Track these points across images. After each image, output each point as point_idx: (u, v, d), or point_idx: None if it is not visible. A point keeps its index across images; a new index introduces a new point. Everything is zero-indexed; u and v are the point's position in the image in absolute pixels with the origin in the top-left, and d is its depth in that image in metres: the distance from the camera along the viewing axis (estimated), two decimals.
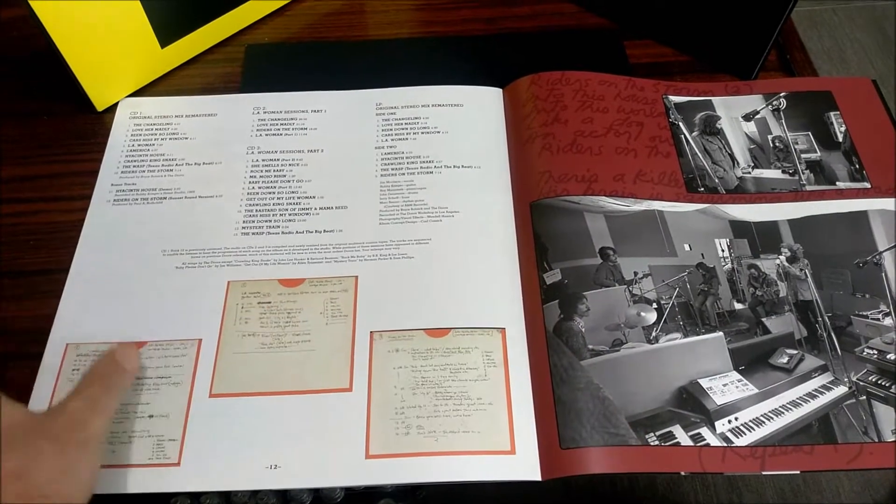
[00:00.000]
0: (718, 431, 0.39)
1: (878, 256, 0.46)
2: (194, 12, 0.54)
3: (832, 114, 0.52)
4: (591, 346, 0.42)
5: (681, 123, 0.52)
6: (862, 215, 0.47)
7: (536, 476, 0.38)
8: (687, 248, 0.46)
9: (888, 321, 0.43)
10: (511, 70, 0.54)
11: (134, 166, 0.50)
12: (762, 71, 0.55)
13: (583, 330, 0.42)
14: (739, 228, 0.47)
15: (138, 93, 0.54)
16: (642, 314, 0.43)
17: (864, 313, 0.44)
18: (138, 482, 0.38)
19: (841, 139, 0.51)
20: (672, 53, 0.57)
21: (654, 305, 0.44)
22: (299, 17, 0.60)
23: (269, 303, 0.44)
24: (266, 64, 0.57)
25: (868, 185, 0.49)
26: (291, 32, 0.59)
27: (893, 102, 1.35)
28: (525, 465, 0.38)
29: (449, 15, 0.60)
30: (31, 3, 0.44)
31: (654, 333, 0.43)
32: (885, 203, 0.48)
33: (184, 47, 0.55)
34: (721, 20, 0.54)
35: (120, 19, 0.50)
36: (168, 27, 0.53)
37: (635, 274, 0.45)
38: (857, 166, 0.50)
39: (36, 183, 0.50)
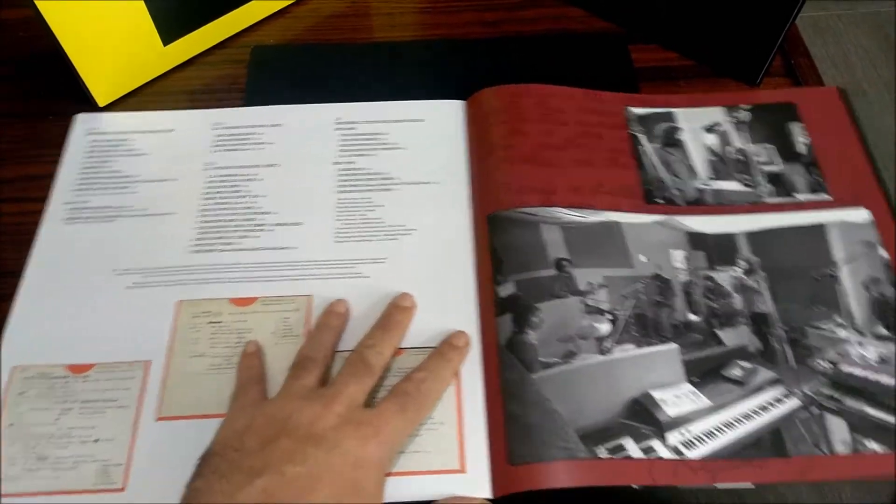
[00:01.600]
0: (670, 444, 0.39)
1: (834, 269, 0.46)
2: (197, 11, 0.55)
3: (794, 126, 0.52)
4: (542, 359, 0.41)
5: (641, 135, 0.52)
6: (819, 227, 0.47)
7: (487, 494, 0.38)
8: (643, 259, 0.46)
9: (843, 333, 0.43)
10: (515, 74, 0.54)
11: (88, 184, 0.49)
12: (767, 76, 0.55)
13: (535, 343, 0.42)
14: (697, 240, 0.47)
15: (140, 90, 0.55)
16: (595, 325, 0.43)
17: (820, 325, 0.44)
18: None
19: (802, 151, 0.51)
20: (677, 58, 0.57)
21: (609, 317, 0.43)
22: (303, 19, 0.60)
23: (220, 322, 0.43)
24: (272, 65, 0.57)
25: (828, 198, 0.49)
26: (295, 34, 0.59)
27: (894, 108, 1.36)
28: (475, 484, 0.38)
29: (453, 18, 0.60)
30: (35, 0, 0.44)
31: (607, 345, 0.42)
32: (845, 215, 0.48)
33: (186, 46, 0.55)
34: (726, 25, 0.53)
35: (122, 16, 0.50)
36: (171, 25, 0.53)
37: (590, 285, 0.44)
38: (818, 178, 0.50)
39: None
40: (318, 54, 0.57)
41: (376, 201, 0.49)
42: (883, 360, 0.42)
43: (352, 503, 0.33)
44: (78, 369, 0.42)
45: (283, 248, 0.46)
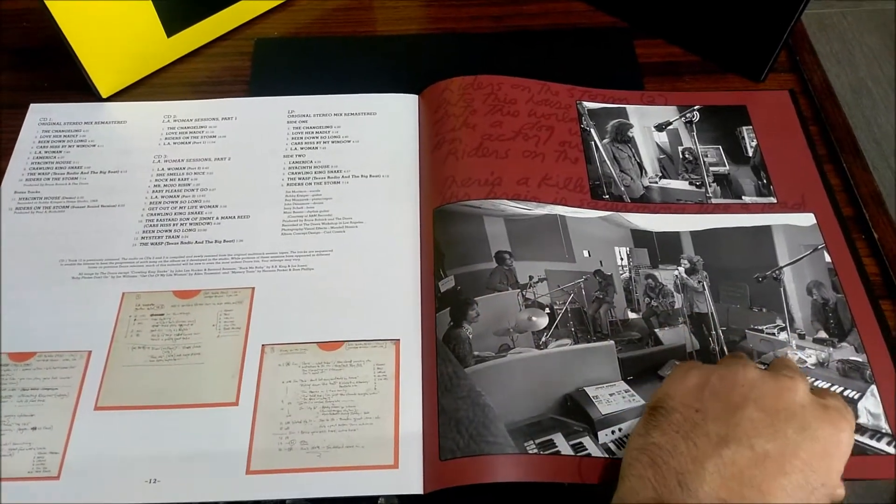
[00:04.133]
0: (601, 442, 0.39)
1: (777, 271, 0.46)
2: (201, 3, 0.55)
3: (744, 128, 0.52)
4: (476, 353, 0.42)
5: (592, 130, 0.52)
6: (765, 230, 0.47)
7: (418, 489, 0.38)
8: (586, 254, 0.46)
9: (783, 336, 0.43)
10: (518, 68, 0.54)
11: (39, 174, 0.50)
12: (771, 72, 0.55)
13: (470, 337, 0.42)
14: (641, 238, 0.47)
15: (144, 81, 0.55)
16: (533, 319, 0.43)
17: (760, 327, 0.44)
18: (13, 496, 0.38)
19: (751, 154, 0.51)
20: (682, 53, 0.57)
21: (547, 310, 0.44)
22: (306, 12, 0.60)
23: (162, 315, 0.43)
24: (275, 58, 0.57)
25: (774, 200, 0.49)
26: (298, 27, 0.59)
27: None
28: (407, 479, 0.38)
29: (458, 12, 0.60)
30: None
31: (543, 339, 0.43)
32: (790, 218, 0.48)
33: (189, 37, 0.55)
34: (732, 21, 0.53)
35: (126, 7, 0.50)
36: (174, 17, 0.53)
37: (530, 278, 0.45)
38: (765, 181, 0.50)
39: None
40: (322, 47, 0.57)
41: (325, 194, 0.49)
42: (820, 364, 0.42)
43: (816, 500, 0.31)
44: (19, 357, 0.42)
45: (228, 241, 0.47)
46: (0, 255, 0.45)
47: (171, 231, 0.47)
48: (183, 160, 0.50)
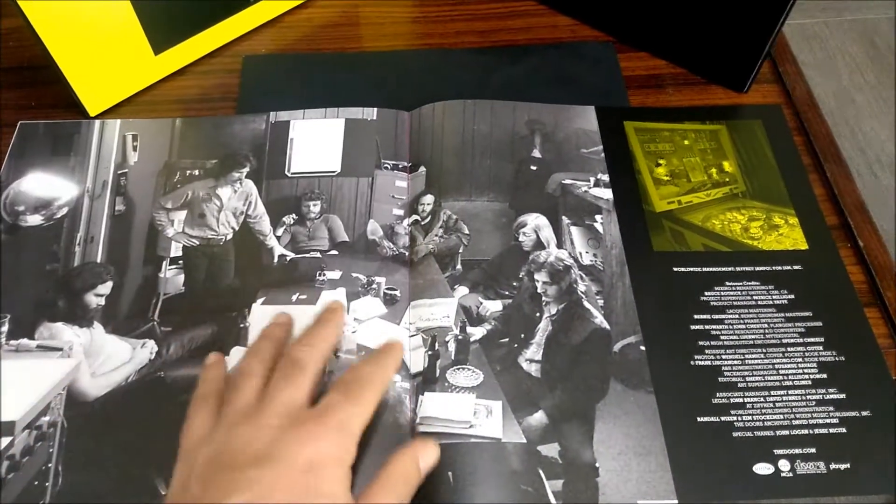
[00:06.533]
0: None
1: None
2: (188, 20, 0.55)
3: None
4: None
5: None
6: None
7: None
8: None
9: None
10: (506, 83, 0.56)
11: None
12: (755, 83, 0.55)
13: None
14: None
15: (132, 99, 0.55)
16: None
17: None
18: None
19: None
20: (666, 66, 0.58)
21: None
22: (294, 29, 0.60)
23: None
24: (264, 75, 0.57)
25: None
26: (287, 43, 0.59)
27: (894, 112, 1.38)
28: None
29: (444, 27, 0.61)
30: (23, 9, 0.45)
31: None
32: None
33: (177, 55, 0.55)
34: (715, 33, 0.54)
35: (113, 25, 0.50)
36: (161, 34, 0.53)
37: None
38: None
39: None
40: (310, 64, 0.57)
41: None
42: None
43: None
44: None
45: None
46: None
47: None
48: None
